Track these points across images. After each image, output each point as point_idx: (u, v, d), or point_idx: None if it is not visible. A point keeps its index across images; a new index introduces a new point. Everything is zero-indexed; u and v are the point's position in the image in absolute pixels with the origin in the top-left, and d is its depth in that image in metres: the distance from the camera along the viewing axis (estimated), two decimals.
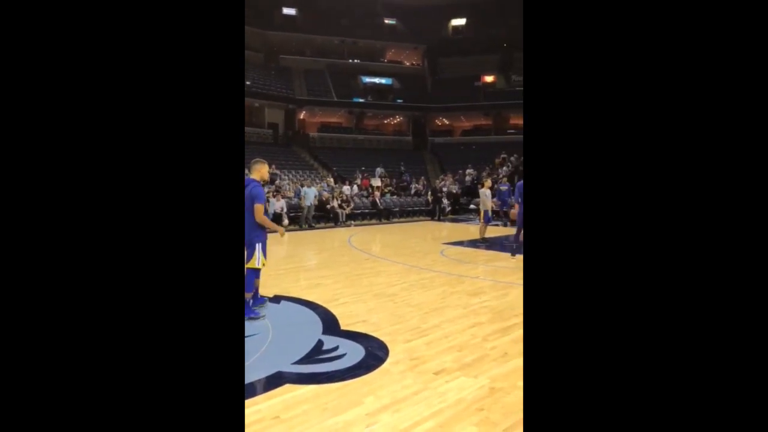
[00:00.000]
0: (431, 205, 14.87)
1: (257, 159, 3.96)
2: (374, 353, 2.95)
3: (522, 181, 6.88)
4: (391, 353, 2.95)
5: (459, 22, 25.27)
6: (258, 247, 3.65)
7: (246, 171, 4.00)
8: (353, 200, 13.85)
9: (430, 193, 15.46)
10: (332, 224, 12.42)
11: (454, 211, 15.30)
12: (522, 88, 23.13)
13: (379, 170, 17.40)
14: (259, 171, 3.86)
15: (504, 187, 12.44)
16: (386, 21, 25.60)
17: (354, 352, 2.95)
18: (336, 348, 3.03)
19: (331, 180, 15.63)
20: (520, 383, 2.51)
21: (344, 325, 3.54)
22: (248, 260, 3.62)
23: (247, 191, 3.59)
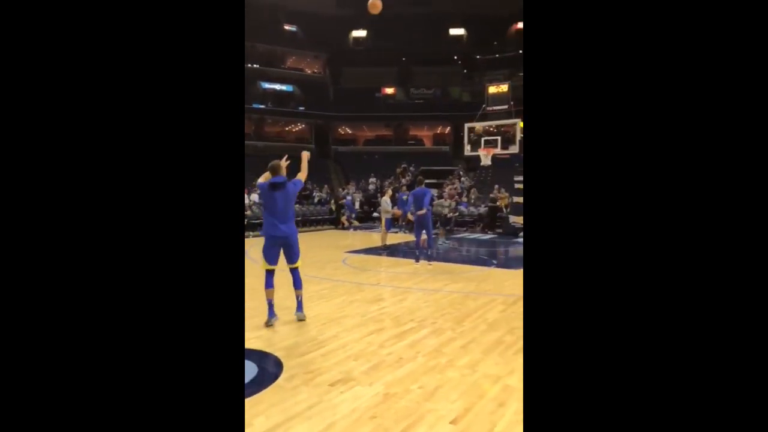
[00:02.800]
0: (334, 214, 14.84)
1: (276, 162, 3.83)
2: (267, 370, 2.82)
3: (417, 190, 7.15)
4: (285, 368, 2.84)
5: (359, 33, 25.76)
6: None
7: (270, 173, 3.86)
8: (251, 209, 13.29)
9: (333, 201, 15.43)
10: None
11: (358, 219, 15.44)
12: (420, 101, 24.36)
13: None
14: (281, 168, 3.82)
15: (404, 197, 12.84)
16: (286, 27, 25.19)
17: (246, 371, 2.79)
18: None
19: None
20: (413, 387, 2.58)
21: None
22: (296, 259, 3.93)
23: (289, 190, 3.72)
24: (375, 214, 15.18)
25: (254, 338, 3.43)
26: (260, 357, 3.03)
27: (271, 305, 3.81)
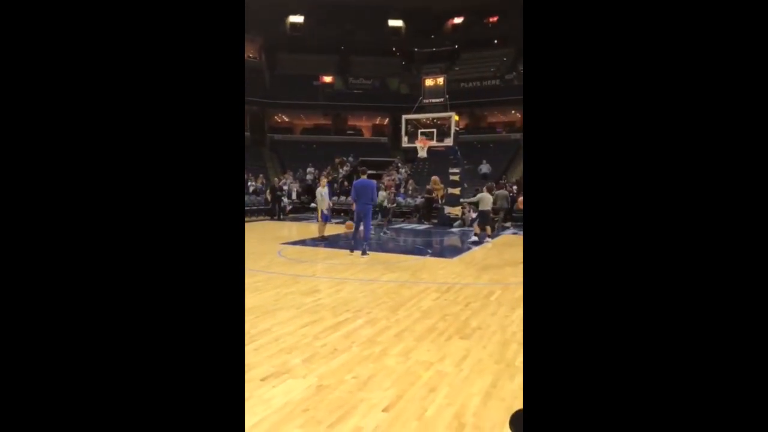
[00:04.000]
0: (271, 204, 14.45)
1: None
2: None
3: (359, 181, 7.15)
4: None
5: (297, 19, 25.06)
6: None
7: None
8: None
9: (269, 191, 15.00)
10: None
11: (294, 210, 15.15)
12: (359, 92, 24.24)
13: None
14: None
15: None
16: None
17: None
18: None
19: None
20: (347, 377, 2.59)
21: None
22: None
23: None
24: (312, 205, 14.98)
25: None
26: None
27: None
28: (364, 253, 6.92)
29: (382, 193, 12.70)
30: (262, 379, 2.54)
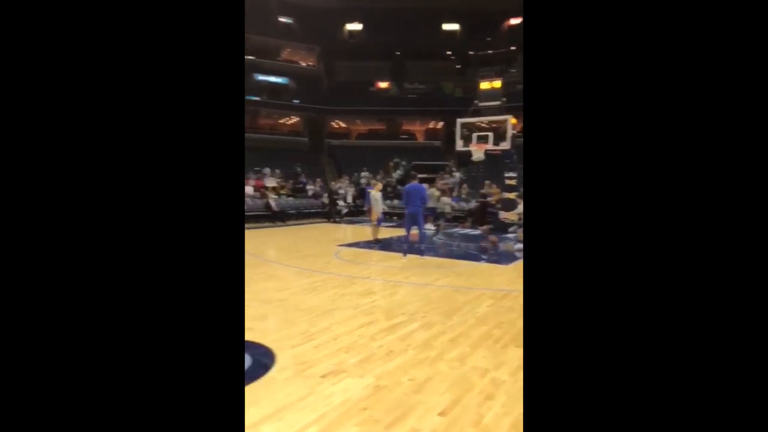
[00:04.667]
0: (327, 207, 14.84)
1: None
2: (260, 361, 2.86)
3: (411, 185, 7.22)
4: (277, 360, 2.89)
5: (354, 26, 25.61)
6: None
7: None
8: (245, 202, 13.25)
9: (326, 194, 15.42)
10: None
11: (349, 213, 15.46)
12: (414, 96, 24.33)
13: (266, 170, 16.86)
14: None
15: (371, 190, 12.51)
16: (281, 19, 24.97)
17: None
18: None
19: None
20: (404, 379, 2.64)
21: None
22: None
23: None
24: (365, 208, 15.21)
25: (247, 330, 3.47)
26: (253, 349, 3.07)
27: None
28: (419, 254, 6.98)
29: (445, 199, 12.66)
30: (322, 376, 2.65)
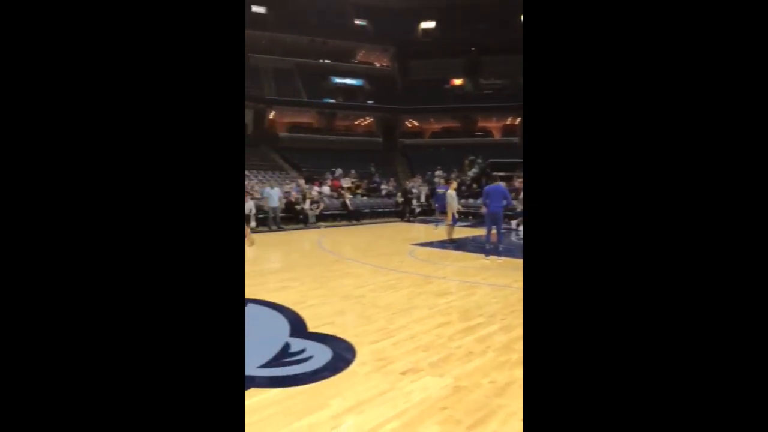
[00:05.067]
0: (401, 206, 14.97)
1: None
2: (341, 355, 2.97)
3: (492, 186, 7.07)
4: (357, 354, 2.97)
5: (428, 25, 25.54)
6: None
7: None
8: (323, 201, 13.78)
9: (400, 194, 15.56)
10: (302, 226, 12.31)
11: (422, 213, 15.46)
12: (489, 92, 23.70)
13: (338, 171, 17.36)
14: None
15: (441, 190, 12.00)
16: (356, 22, 25.59)
17: (321, 355, 2.96)
18: (303, 350, 3.03)
19: (302, 181, 15.48)
20: (484, 381, 2.59)
21: (311, 328, 3.53)
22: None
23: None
24: (435, 206, 15.09)
25: (328, 324, 3.61)
26: (334, 342, 3.19)
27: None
28: (498, 254, 6.81)
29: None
30: (402, 373, 2.68)
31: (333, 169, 17.69)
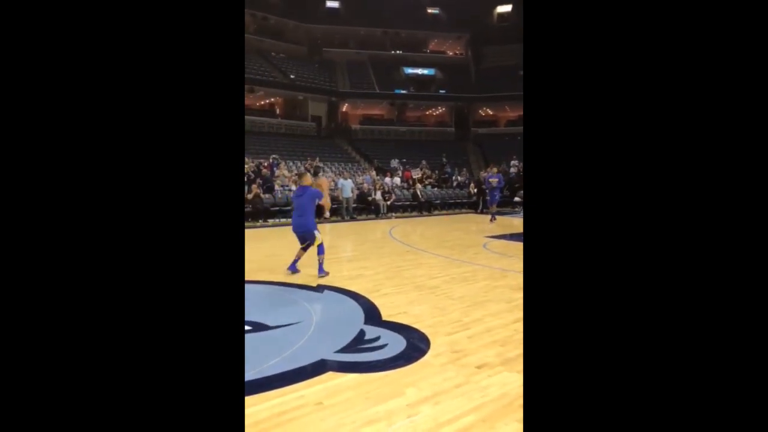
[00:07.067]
0: (475, 197, 14.62)
1: (302, 171, 5.14)
2: (415, 345, 2.95)
3: None
4: (432, 345, 2.94)
5: (505, 8, 24.52)
6: (317, 231, 5.02)
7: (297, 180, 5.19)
8: (394, 192, 13.87)
9: (473, 185, 15.21)
10: (373, 216, 12.49)
11: (499, 204, 14.99)
12: None
13: (394, 162, 17.26)
14: (306, 178, 5.21)
15: (494, 179, 11.39)
16: (429, 10, 25.25)
17: (395, 343, 2.96)
18: (378, 338, 3.05)
19: (374, 173, 15.69)
20: None
21: (386, 316, 3.56)
22: (314, 242, 5.02)
23: (307, 194, 4.98)
24: (516, 199, 14.53)
25: (402, 314, 3.61)
26: (408, 332, 3.19)
27: (295, 259, 5.21)
28: None
29: None
30: (478, 367, 2.60)
31: (397, 160, 17.67)
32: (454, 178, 16.94)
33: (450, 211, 14.35)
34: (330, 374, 2.49)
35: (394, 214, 12.85)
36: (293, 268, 5.13)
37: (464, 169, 18.05)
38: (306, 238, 5.05)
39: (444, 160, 18.64)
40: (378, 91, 23.11)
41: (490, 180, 11.53)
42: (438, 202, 14.67)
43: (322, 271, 4.98)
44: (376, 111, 24.66)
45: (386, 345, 2.93)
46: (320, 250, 5.02)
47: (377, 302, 3.92)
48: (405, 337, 3.07)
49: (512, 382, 2.43)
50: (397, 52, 25.00)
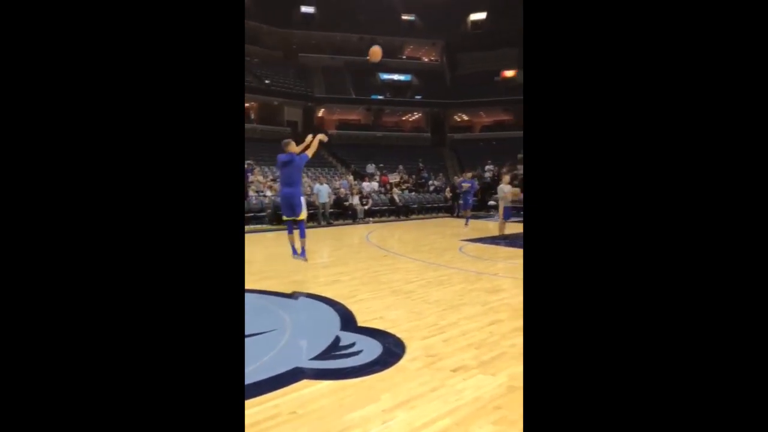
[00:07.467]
0: (450, 202, 14.77)
1: (287, 140, 5.00)
2: (391, 350, 2.95)
3: None
4: (407, 350, 2.94)
5: (478, 16, 24.95)
6: (303, 201, 4.96)
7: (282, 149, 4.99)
8: (372, 197, 13.87)
9: (449, 189, 15.36)
10: (350, 221, 12.45)
11: (472, 208, 15.17)
12: None
13: (371, 167, 17.30)
14: (292, 146, 4.91)
15: (466, 184, 11.52)
16: (404, 17, 25.48)
17: (371, 349, 2.95)
18: (353, 344, 3.04)
19: (351, 177, 15.66)
20: None
21: (361, 322, 3.54)
22: (299, 214, 4.95)
23: (296, 162, 4.80)
24: (491, 203, 14.74)
25: (378, 319, 3.61)
26: (384, 337, 3.18)
27: (292, 246, 5.15)
28: None
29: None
30: (453, 370, 2.62)
31: (374, 165, 17.71)
32: (430, 182, 17.08)
33: (427, 216, 14.44)
34: (305, 382, 2.46)
35: (371, 219, 12.84)
36: (303, 255, 5.09)
37: (440, 174, 18.22)
38: (295, 210, 4.91)
39: (421, 164, 18.78)
40: (354, 96, 23.13)
41: (463, 185, 11.68)
42: (415, 206, 14.74)
43: (303, 255, 5.09)
44: (352, 116, 24.66)
45: (362, 351, 2.92)
46: (302, 232, 5.03)
47: (353, 308, 3.90)
48: (381, 343, 3.06)
49: (487, 384, 2.45)
50: None
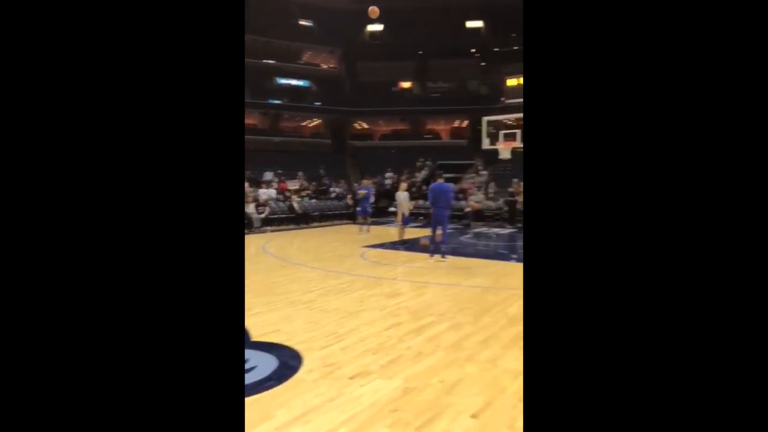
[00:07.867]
0: (352, 208, 14.86)
1: None
2: (287, 363, 2.84)
3: (436, 184, 7.09)
4: (305, 361, 2.86)
5: (376, 28, 25.63)
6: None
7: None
8: (269, 204, 13.41)
9: (350, 196, 15.46)
10: (246, 230, 11.89)
11: (374, 214, 15.44)
12: (437, 95, 24.17)
13: (268, 174, 16.91)
14: None
15: (362, 191, 11.89)
16: (302, 22, 25.22)
17: (265, 364, 2.82)
18: (246, 361, 2.87)
19: (246, 184, 14.96)
20: (434, 380, 2.56)
21: (255, 336, 3.37)
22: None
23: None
24: (391, 209, 15.15)
25: (274, 332, 3.46)
26: (280, 351, 3.06)
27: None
28: (443, 256, 6.84)
29: (479, 195, 12.52)
30: (350, 378, 2.60)
31: (281, 171, 17.25)
32: (332, 189, 17.03)
33: (329, 223, 14.35)
34: None
35: (269, 228, 12.40)
36: None
37: (342, 181, 18.27)
38: None
39: (322, 171, 18.65)
40: (250, 99, 22.26)
41: (359, 192, 11.86)
42: (316, 213, 14.57)
43: None
44: (248, 120, 23.68)
45: (255, 367, 2.76)
46: None
47: (247, 323, 3.70)
48: (276, 357, 2.94)
49: (383, 387, 2.47)
50: (270, 61, 24.42)
